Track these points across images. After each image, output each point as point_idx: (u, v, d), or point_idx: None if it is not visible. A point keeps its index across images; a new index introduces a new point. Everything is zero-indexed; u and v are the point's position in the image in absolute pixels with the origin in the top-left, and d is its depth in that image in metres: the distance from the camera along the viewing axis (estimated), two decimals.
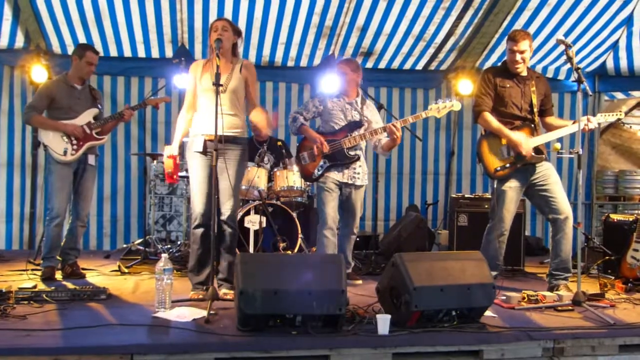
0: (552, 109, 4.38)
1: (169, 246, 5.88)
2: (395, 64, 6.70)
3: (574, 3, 5.64)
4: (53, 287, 3.78)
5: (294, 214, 5.19)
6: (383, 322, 2.95)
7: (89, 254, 5.79)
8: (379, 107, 4.97)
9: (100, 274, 4.78)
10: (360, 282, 4.51)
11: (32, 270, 4.56)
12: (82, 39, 5.86)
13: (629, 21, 5.92)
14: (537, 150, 4.13)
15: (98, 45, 5.88)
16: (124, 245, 6.07)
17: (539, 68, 6.55)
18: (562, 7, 5.68)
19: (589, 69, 6.70)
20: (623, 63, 6.54)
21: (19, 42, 5.95)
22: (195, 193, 3.80)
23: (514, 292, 3.86)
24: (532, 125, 4.18)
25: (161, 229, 6.45)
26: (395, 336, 2.92)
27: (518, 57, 4.11)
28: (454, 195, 5.60)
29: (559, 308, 3.56)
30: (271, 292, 2.91)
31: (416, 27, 6.03)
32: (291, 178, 5.12)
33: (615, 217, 5.00)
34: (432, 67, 6.79)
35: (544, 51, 6.35)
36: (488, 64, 6.54)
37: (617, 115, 4.33)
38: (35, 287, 3.72)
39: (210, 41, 3.78)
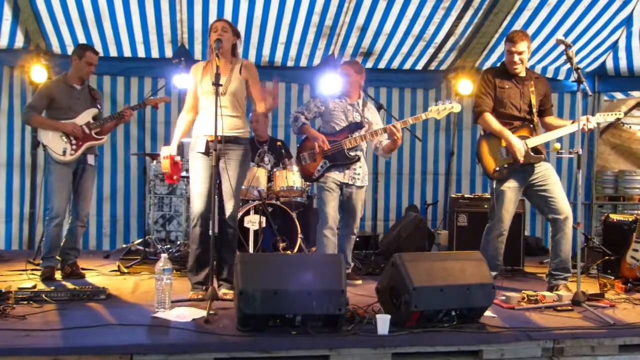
0: (551, 109, 4.38)
1: (168, 246, 5.88)
2: (395, 64, 6.70)
3: (574, 3, 5.64)
4: (53, 287, 3.78)
5: (294, 214, 5.19)
6: (383, 322, 2.95)
7: (88, 254, 5.79)
8: (379, 107, 4.97)
9: (99, 274, 4.78)
10: (360, 282, 4.51)
11: (32, 270, 4.56)
12: (81, 39, 5.86)
13: (628, 21, 5.92)
14: (535, 150, 4.14)
15: (98, 46, 5.88)
16: (124, 245, 6.07)
17: (538, 68, 6.55)
18: (562, 7, 5.68)
19: (588, 69, 6.70)
20: (622, 63, 6.54)
21: (19, 42, 5.95)
22: (195, 193, 3.80)
23: (514, 292, 3.86)
24: (531, 126, 4.18)
25: (161, 229, 6.45)
26: (395, 336, 2.92)
27: (516, 58, 4.11)
28: (453, 196, 5.60)
29: (559, 308, 3.56)
30: (271, 292, 2.91)
31: (416, 27, 6.03)
32: (291, 178, 5.12)
33: (614, 217, 4.99)
34: (432, 67, 6.79)
35: (543, 51, 6.35)
36: (488, 64, 6.54)
37: (616, 115, 4.33)
38: (34, 287, 3.71)
39: (210, 41, 3.79)
